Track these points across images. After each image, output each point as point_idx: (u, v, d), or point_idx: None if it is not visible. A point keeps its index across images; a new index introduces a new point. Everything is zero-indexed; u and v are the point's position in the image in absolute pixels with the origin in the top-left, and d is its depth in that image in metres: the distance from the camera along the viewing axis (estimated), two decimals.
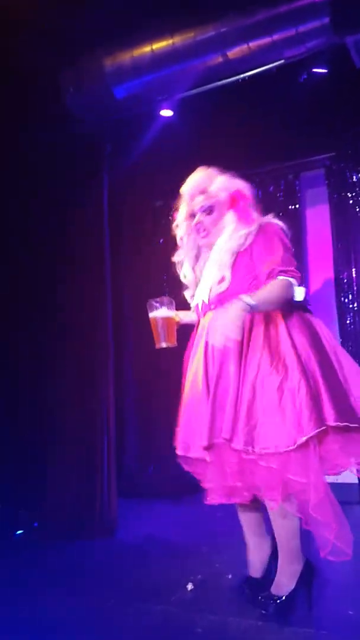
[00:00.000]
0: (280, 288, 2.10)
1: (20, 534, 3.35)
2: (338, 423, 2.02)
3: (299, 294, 2.14)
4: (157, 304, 2.33)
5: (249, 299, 2.02)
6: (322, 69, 3.33)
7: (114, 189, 3.72)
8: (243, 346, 2.11)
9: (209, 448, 2.10)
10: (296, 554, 2.15)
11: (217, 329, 2.04)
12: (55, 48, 3.12)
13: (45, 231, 3.52)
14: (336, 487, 3.84)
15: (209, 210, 2.27)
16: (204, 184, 2.29)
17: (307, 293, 4.18)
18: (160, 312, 2.31)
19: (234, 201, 2.25)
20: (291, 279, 2.11)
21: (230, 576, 2.56)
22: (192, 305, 2.38)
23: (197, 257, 2.39)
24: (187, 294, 2.42)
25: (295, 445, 1.95)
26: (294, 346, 2.09)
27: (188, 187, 2.33)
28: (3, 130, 3.25)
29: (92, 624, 2.21)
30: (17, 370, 3.49)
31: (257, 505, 2.31)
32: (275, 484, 2.00)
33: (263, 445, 1.98)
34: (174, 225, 2.41)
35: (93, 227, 3.57)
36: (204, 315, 2.27)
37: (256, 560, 2.34)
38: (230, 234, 2.20)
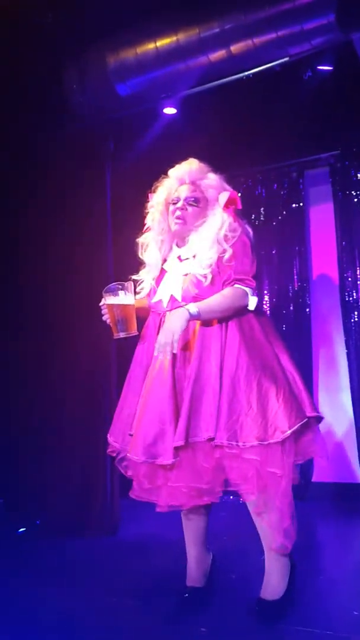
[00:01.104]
0: (231, 297, 2.11)
1: (22, 531, 3.35)
2: (316, 414, 2.15)
3: (252, 303, 2.14)
4: (115, 289, 2.16)
5: (192, 307, 2.05)
6: (327, 66, 3.31)
7: (117, 187, 3.71)
8: (221, 343, 2.10)
9: (179, 449, 2.03)
10: (282, 552, 2.15)
11: (159, 338, 2.06)
12: (58, 45, 3.11)
13: (47, 230, 3.51)
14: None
15: (195, 201, 2.22)
16: (196, 175, 2.26)
17: (309, 291, 4.19)
18: (119, 299, 2.15)
19: (229, 202, 2.21)
20: (246, 289, 2.13)
21: (234, 576, 2.56)
22: (146, 291, 2.31)
23: (162, 242, 2.33)
24: (141, 276, 2.35)
25: (282, 438, 1.98)
26: (268, 341, 2.16)
27: (178, 172, 2.29)
28: (6, 127, 3.24)
29: (95, 623, 2.20)
30: (17, 367, 3.48)
31: (205, 512, 2.31)
32: (250, 477, 2.00)
33: (247, 439, 1.98)
34: (148, 205, 2.35)
35: (96, 224, 3.56)
36: (170, 310, 2.19)
37: (199, 571, 2.33)
38: (219, 237, 2.14)
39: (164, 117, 3.74)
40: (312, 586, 2.42)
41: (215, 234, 2.15)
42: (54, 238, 3.49)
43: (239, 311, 2.13)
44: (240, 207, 2.26)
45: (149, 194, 2.37)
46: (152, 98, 3.27)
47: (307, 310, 4.15)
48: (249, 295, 2.14)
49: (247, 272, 2.15)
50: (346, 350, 3.97)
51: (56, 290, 3.50)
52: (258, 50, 2.73)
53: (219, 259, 2.14)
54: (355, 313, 3.97)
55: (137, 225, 3.21)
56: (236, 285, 2.12)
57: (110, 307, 2.17)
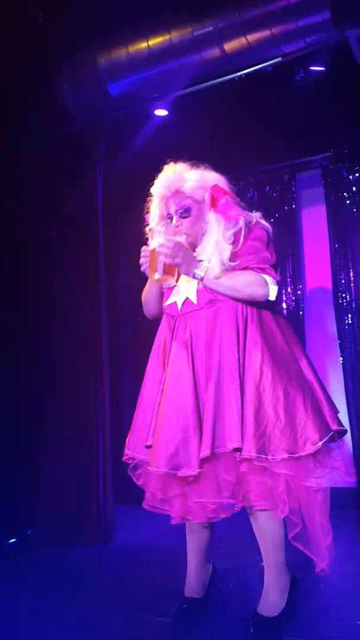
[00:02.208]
0: (245, 278, 1.99)
1: (13, 542, 3.26)
2: (340, 427, 2.02)
3: (272, 293, 2.00)
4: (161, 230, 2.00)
5: (202, 272, 1.98)
6: (319, 67, 3.29)
7: (108, 189, 3.67)
8: (239, 350, 1.99)
9: (204, 460, 1.92)
10: (283, 567, 2.06)
11: (166, 243, 1.95)
12: (49, 44, 3.06)
13: (37, 231, 3.46)
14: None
15: (186, 212, 2.08)
16: (175, 184, 2.08)
17: (302, 294, 4.17)
18: (159, 241, 1.98)
19: (213, 200, 2.05)
20: (265, 276, 2.00)
21: (232, 585, 2.50)
22: (168, 302, 2.19)
23: None
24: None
25: (314, 450, 1.88)
26: (289, 347, 2.05)
27: (158, 187, 2.12)
28: None
29: (89, 635, 2.13)
30: (8, 376, 3.41)
31: (210, 524, 2.23)
32: (280, 492, 1.89)
33: (276, 452, 1.87)
34: (147, 228, 2.21)
35: (87, 227, 3.52)
36: (187, 314, 2.10)
37: (198, 581, 2.25)
38: (218, 239, 2.02)
39: (155, 118, 3.71)
40: (311, 595, 2.36)
41: (215, 237, 2.03)
42: (43, 238, 3.44)
43: (255, 299, 2.00)
44: (229, 194, 2.10)
45: (145, 215, 2.24)
46: (144, 98, 3.24)
47: (301, 313, 4.12)
48: (269, 285, 1.99)
49: (265, 259, 2.02)
50: (340, 353, 3.95)
51: (46, 292, 3.46)
52: (252, 48, 2.70)
53: (234, 254, 2.02)
54: (349, 315, 3.95)
55: (128, 225, 3.18)
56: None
57: (153, 251, 2.00)
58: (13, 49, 2.98)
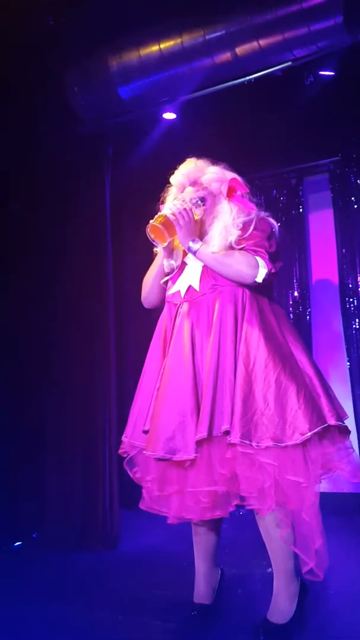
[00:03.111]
0: (237, 257, 2.04)
1: (18, 545, 3.25)
2: (339, 423, 1.97)
3: (260, 275, 2.03)
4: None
5: (196, 245, 2.07)
6: (329, 71, 3.28)
7: (116, 192, 3.66)
8: (237, 336, 2.01)
9: (200, 444, 1.92)
10: (292, 574, 2.03)
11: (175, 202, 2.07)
12: (60, 47, 3.06)
13: (46, 234, 3.46)
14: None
15: (201, 201, 2.16)
16: (194, 175, 2.20)
17: (309, 299, 4.16)
18: (167, 210, 2.08)
19: (230, 190, 2.13)
20: (258, 259, 2.04)
21: (240, 591, 2.48)
22: (171, 290, 2.23)
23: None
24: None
25: (302, 440, 1.86)
26: (285, 339, 2.06)
27: (178, 177, 2.24)
28: (7, 128, 3.19)
29: None
30: (17, 379, 3.40)
31: (215, 527, 2.21)
32: (267, 488, 1.87)
33: (262, 439, 1.86)
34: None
35: (95, 230, 3.51)
36: (190, 301, 2.13)
37: (207, 587, 2.22)
38: (227, 224, 2.09)
39: (163, 122, 3.70)
40: (320, 601, 2.34)
41: (225, 222, 2.09)
42: (52, 241, 3.44)
43: (243, 277, 2.04)
44: (246, 190, 2.17)
45: (159, 206, 2.28)
46: (154, 101, 3.23)
47: (308, 317, 4.11)
48: (260, 268, 2.03)
49: (261, 245, 2.07)
50: (347, 358, 3.93)
51: (54, 293, 3.46)
52: (264, 52, 2.70)
53: (239, 241, 2.08)
54: (356, 320, 3.94)
55: (135, 228, 3.16)
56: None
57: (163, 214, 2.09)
58: (23, 52, 2.98)
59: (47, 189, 3.43)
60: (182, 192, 2.22)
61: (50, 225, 3.44)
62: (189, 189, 2.21)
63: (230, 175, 2.20)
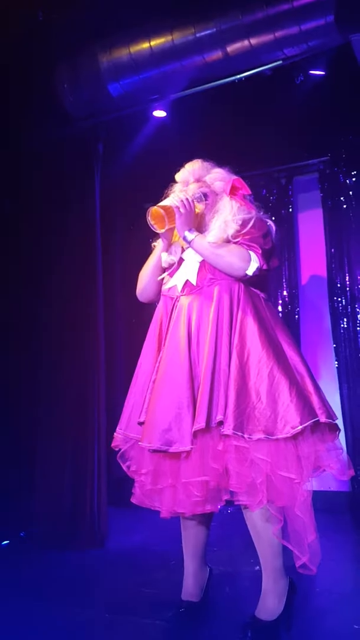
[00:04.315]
0: (231, 249, 2.08)
1: (6, 544, 3.23)
2: (329, 420, 1.99)
3: (252, 268, 2.07)
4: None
5: (192, 235, 2.12)
6: (320, 71, 3.29)
7: (106, 190, 3.65)
8: (232, 329, 2.02)
9: (195, 436, 1.93)
10: (280, 571, 2.04)
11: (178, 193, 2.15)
12: (49, 44, 3.04)
13: (34, 232, 3.43)
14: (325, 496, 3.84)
15: (204, 196, 2.22)
16: (199, 173, 2.29)
17: (298, 297, 4.17)
18: (170, 200, 2.15)
19: (233, 188, 2.20)
20: (251, 253, 2.08)
21: (228, 589, 2.49)
22: (168, 285, 2.25)
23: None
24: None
25: (293, 433, 1.88)
26: (277, 336, 2.08)
27: (183, 173, 2.33)
28: None
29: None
30: (6, 378, 3.38)
31: (205, 523, 2.22)
32: (260, 483, 1.87)
33: (253, 431, 1.88)
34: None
35: (85, 228, 3.49)
36: (187, 295, 2.15)
37: (196, 585, 2.23)
38: (227, 219, 2.14)
39: (153, 120, 3.70)
40: (308, 599, 2.35)
41: (225, 217, 2.14)
42: (41, 239, 3.42)
43: (233, 269, 2.07)
44: (248, 192, 2.24)
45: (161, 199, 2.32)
46: (145, 99, 3.22)
47: (296, 316, 4.12)
48: (252, 262, 2.06)
49: (256, 241, 2.10)
50: (335, 357, 3.95)
51: (44, 292, 3.44)
52: (254, 51, 2.70)
53: (235, 236, 2.11)
54: (344, 319, 3.96)
55: (126, 226, 3.16)
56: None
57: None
58: (13, 48, 2.95)
59: (36, 187, 3.41)
60: (187, 186, 2.29)
61: (39, 223, 3.42)
62: (193, 184, 2.27)
63: (235, 177, 2.27)
